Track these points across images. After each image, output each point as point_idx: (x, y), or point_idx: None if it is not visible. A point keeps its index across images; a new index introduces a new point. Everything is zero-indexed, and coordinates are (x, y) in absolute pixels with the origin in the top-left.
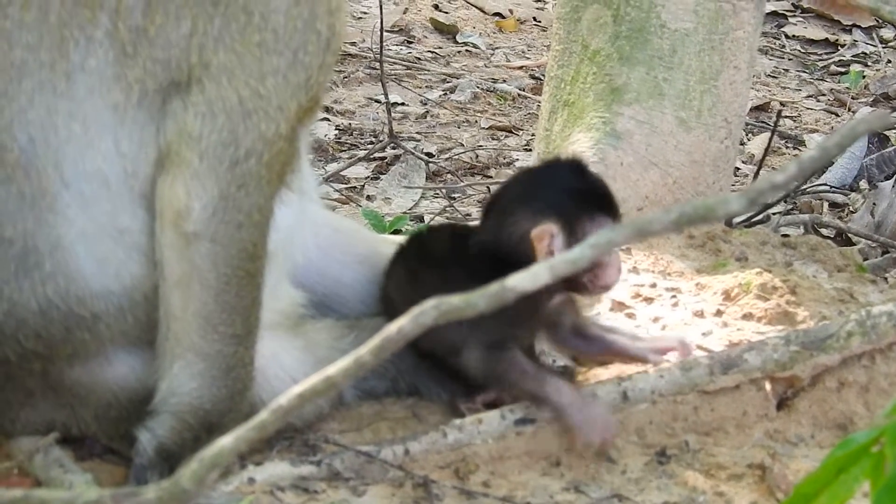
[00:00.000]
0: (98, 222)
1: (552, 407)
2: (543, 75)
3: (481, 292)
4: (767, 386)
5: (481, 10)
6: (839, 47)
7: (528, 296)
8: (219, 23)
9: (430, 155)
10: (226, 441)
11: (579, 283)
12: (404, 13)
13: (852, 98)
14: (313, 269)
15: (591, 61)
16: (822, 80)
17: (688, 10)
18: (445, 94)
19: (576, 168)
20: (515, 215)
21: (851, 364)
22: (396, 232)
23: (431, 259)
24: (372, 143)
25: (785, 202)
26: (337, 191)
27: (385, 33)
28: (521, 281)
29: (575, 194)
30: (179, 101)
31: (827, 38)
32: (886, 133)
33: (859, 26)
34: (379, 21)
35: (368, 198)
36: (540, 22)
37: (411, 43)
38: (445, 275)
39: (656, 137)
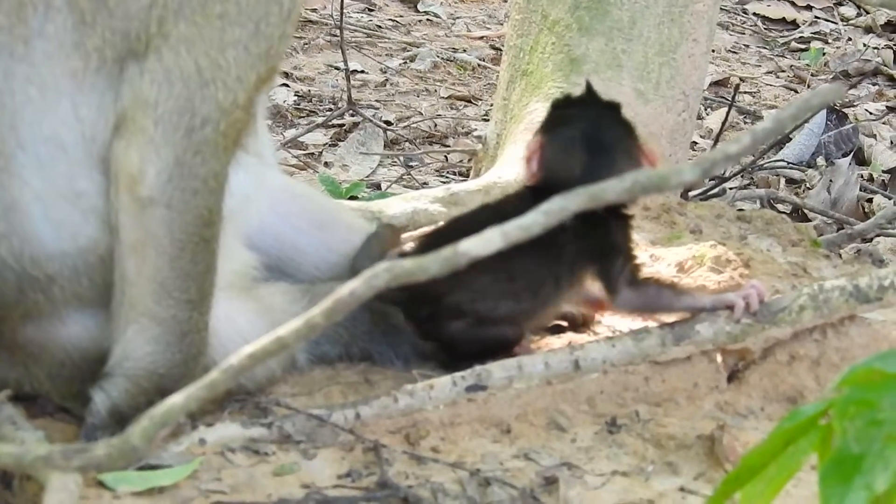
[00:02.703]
0: (55, 185)
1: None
2: (504, 46)
3: (434, 256)
4: (719, 358)
5: None
6: (800, 24)
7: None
8: None
9: (388, 123)
10: (176, 399)
11: None
12: None
13: (812, 75)
14: (269, 233)
15: (550, 31)
16: (782, 56)
17: None
18: (405, 62)
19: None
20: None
21: (803, 338)
22: (353, 198)
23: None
24: (331, 109)
25: (742, 177)
26: (295, 157)
27: (346, 1)
28: (474, 246)
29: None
30: (136, 69)
31: (787, 16)
32: (845, 110)
33: (813, 7)
34: None
35: (326, 164)
36: None
37: (372, 11)
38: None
39: None
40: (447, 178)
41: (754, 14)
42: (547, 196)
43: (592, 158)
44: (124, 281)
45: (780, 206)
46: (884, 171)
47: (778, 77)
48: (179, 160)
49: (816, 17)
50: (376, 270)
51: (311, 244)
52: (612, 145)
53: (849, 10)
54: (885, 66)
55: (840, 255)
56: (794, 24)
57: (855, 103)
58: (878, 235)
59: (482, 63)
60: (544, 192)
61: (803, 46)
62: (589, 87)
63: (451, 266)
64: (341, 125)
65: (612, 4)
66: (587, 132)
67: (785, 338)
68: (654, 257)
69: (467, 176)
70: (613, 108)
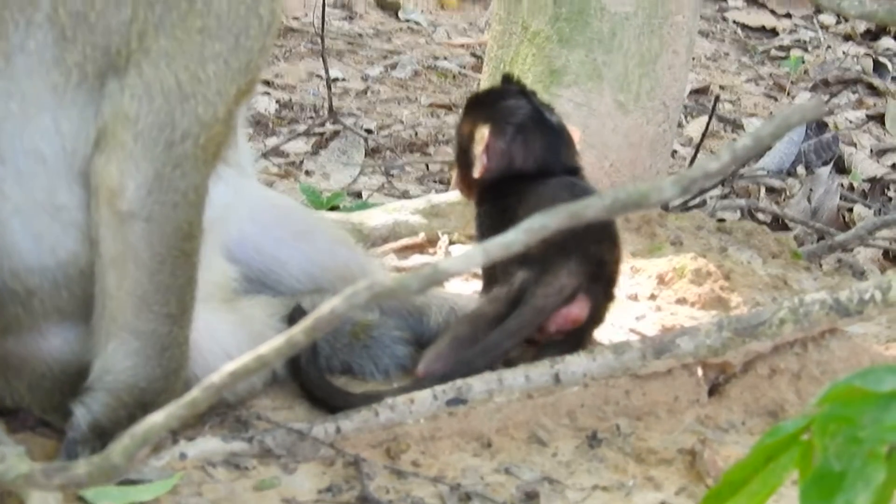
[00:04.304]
0: (34, 198)
1: None
2: (484, 54)
3: (414, 274)
4: (699, 371)
5: None
6: (780, 32)
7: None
8: (160, 9)
9: (369, 131)
10: (157, 417)
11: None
12: None
13: (792, 83)
14: (249, 244)
15: (530, 42)
16: (762, 64)
17: None
18: (386, 70)
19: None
20: None
21: (783, 351)
22: (334, 208)
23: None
24: (312, 118)
25: (722, 186)
26: (276, 165)
27: (327, 8)
28: (454, 263)
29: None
30: (116, 83)
31: (766, 24)
32: (825, 119)
33: (792, 15)
34: None
35: (307, 173)
36: None
37: (353, 18)
38: None
39: (594, 120)
40: (428, 186)
41: (734, 22)
42: (504, 186)
43: (546, 140)
44: (104, 295)
45: (760, 216)
46: (864, 180)
47: (758, 85)
48: (159, 174)
49: (796, 25)
50: (357, 288)
51: (292, 256)
52: (560, 125)
53: (828, 19)
54: (865, 74)
55: (821, 267)
56: (773, 32)
57: (835, 112)
58: (858, 246)
59: (463, 71)
60: (501, 182)
61: (783, 54)
62: (506, 78)
63: (432, 284)
64: (322, 134)
65: (592, 16)
66: (533, 117)
67: (766, 351)
68: (634, 269)
69: (448, 184)
70: (533, 93)
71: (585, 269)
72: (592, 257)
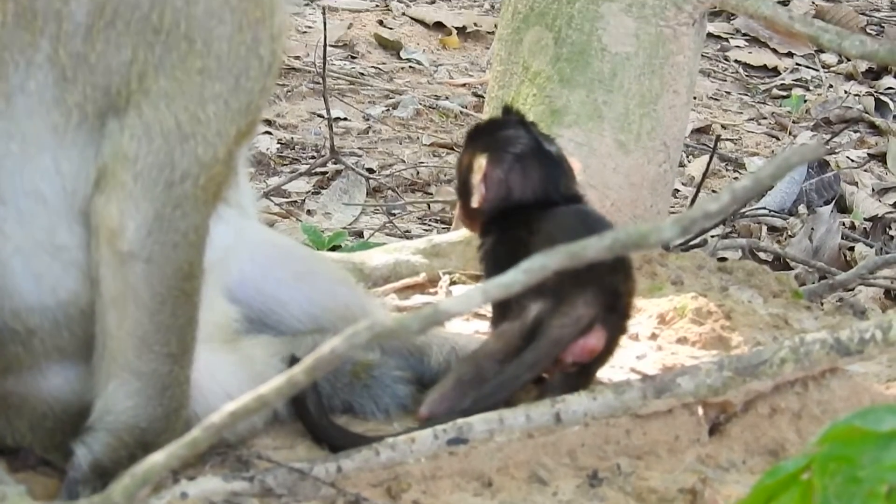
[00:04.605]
0: (35, 238)
1: None
2: (486, 93)
3: (415, 315)
4: (700, 410)
5: (422, 22)
6: (781, 71)
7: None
8: (160, 50)
9: (370, 171)
10: (157, 457)
11: None
12: (349, 28)
13: (793, 122)
14: (250, 285)
15: (531, 83)
16: (763, 103)
17: (628, 33)
18: (388, 109)
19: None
20: None
21: (784, 391)
22: (335, 248)
23: None
24: (314, 157)
25: (723, 225)
26: (277, 205)
27: (329, 48)
28: (454, 304)
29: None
30: (116, 124)
31: (768, 63)
32: (826, 158)
33: (794, 53)
34: (323, 36)
35: (309, 212)
36: (484, 37)
37: (355, 58)
38: None
39: (595, 160)
40: (430, 225)
41: (736, 61)
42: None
43: (545, 170)
44: (105, 334)
45: (761, 255)
46: (865, 219)
47: (759, 124)
48: (159, 214)
49: (798, 63)
50: (357, 328)
51: (293, 296)
52: (559, 155)
53: (830, 57)
54: (867, 113)
55: (822, 306)
56: (775, 71)
57: (836, 150)
58: (859, 285)
59: (464, 110)
60: (502, 212)
61: (785, 93)
62: (506, 109)
63: (432, 325)
64: (324, 173)
65: (592, 56)
66: (532, 146)
67: (766, 390)
68: (635, 309)
69: (450, 224)
70: (533, 123)
71: (601, 300)
72: (608, 287)
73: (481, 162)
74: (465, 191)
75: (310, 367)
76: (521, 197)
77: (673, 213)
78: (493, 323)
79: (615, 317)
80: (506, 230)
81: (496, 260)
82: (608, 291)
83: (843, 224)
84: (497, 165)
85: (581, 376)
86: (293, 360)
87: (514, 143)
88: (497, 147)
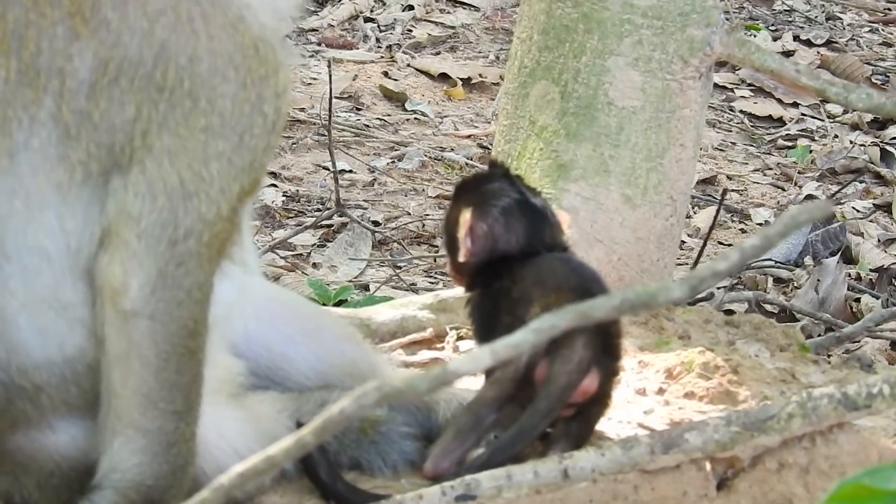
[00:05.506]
0: (40, 295)
1: None
2: (491, 144)
3: (423, 375)
4: (708, 466)
5: (427, 73)
6: (786, 122)
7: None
8: (164, 108)
9: (376, 223)
10: None
11: None
12: (354, 80)
13: (799, 172)
14: (256, 341)
15: (538, 137)
16: (769, 153)
17: (635, 87)
18: (393, 161)
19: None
20: None
21: (792, 445)
22: (341, 302)
23: None
24: (319, 210)
25: (730, 277)
26: (283, 258)
27: (334, 100)
28: (463, 364)
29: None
30: (120, 181)
31: (773, 113)
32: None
33: (799, 104)
34: (328, 87)
35: (314, 265)
36: (489, 88)
37: (360, 110)
38: None
39: (602, 214)
40: (435, 278)
41: (741, 111)
42: (494, 270)
43: (530, 221)
44: (110, 392)
45: (768, 307)
46: (871, 270)
47: (765, 175)
48: (162, 272)
49: (803, 114)
50: (365, 388)
51: (299, 352)
52: (544, 207)
53: (835, 108)
54: (872, 163)
55: (828, 359)
56: (780, 122)
57: (842, 201)
58: (866, 337)
59: (470, 162)
60: (488, 265)
61: (790, 144)
62: (492, 163)
63: (440, 385)
64: (329, 226)
65: (599, 111)
66: (516, 199)
67: (774, 445)
68: (642, 363)
69: None
70: (518, 176)
71: (596, 341)
72: (601, 329)
73: (466, 216)
74: (451, 246)
75: (319, 428)
76: (506, 249)
77: (679, 265)
78: (486, 372)
79: (608, 359)
80: (491, 283)
81: (481, 313)
82: (602, 334)
83: (849, 275)
84: (482, 219)
85: (582, 425)
86: (300, 425)
87: (498, 196)
88: (481, 201)
